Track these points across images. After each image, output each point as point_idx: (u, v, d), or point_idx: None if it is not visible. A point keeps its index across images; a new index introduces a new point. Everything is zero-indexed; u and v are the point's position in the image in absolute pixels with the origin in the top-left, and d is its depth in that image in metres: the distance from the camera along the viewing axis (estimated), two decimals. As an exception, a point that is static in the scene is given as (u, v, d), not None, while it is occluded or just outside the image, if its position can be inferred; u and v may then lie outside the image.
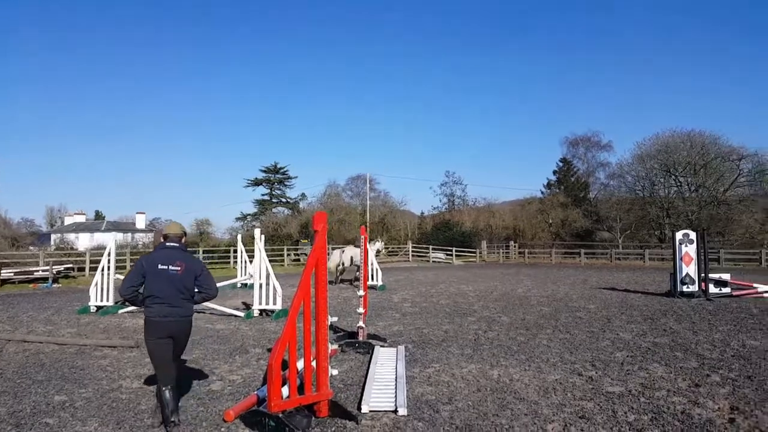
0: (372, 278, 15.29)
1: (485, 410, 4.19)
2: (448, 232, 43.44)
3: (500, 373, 5.40)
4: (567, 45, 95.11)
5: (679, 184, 42.33)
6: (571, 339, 7.25)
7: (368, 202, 47.18)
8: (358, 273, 17.90)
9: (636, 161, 44.37)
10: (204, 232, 48.48)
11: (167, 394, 3.83)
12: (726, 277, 12.38)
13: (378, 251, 19.58)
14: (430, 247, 38.79)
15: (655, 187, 43.22)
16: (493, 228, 45.77)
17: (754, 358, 5.86)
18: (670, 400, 4.35)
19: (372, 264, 15.41)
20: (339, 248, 18.80)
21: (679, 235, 12.47)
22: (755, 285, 12.43)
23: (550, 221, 45.68)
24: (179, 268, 3.91)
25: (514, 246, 40.33)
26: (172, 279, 3.88)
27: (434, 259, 37.26)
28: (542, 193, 50.46)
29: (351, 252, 18.11)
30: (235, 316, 9.82)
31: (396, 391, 4.57)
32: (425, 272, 24.33)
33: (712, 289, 11.86)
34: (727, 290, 11.96)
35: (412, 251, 38.92)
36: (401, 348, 6.55)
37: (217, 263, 29.45)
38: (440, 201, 54.04)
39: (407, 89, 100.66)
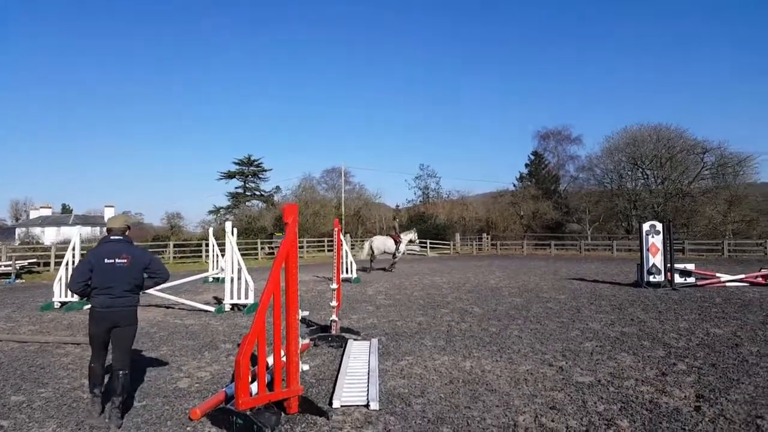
0: (347, 271, 15.22)
1: (457, 402, 4.18)
2: (422, 225, 43.59)
3: (472, 364, 5.42)
4: (539, 40, 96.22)
5: (645, 176, 43.52)
6: (542, 329, 7.34)
7: (343, 194, 46.93)
8: (395, 259, 19.14)
9: (605, 154, 45.48)
10: (175, 226, 47.39)
11: (117, 377, 3.96)
12: (690, 267, 12.74)
13: (411, 240, 20.22)
14: (372, 238, 38.77)
15: (623, 179, 44.35)
16: (466, 220, 46.19)
17: (718, 346, 6.02)
18: (639, 389, 4.43)
19: (347, 256, 15.32)
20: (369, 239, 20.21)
21: (646, 226, 12.75)
22: (718, 275, 12.83)
23: (522, 213, 46.36)
24: (125, 261, 4.01)
25: (487, 238, 40.78)
26: (118, 272, 3.98)
27: (409, 252, 37.33)
28: (514, 185, 51.21)
29: (379, 242, 19.14)
30: (206, 311, 9.62)
31: (368, 385, 4.53)
32: (399, 264, 24.34)
33: (678, 279, 12.19)
34: (691, 280, 12.31)
35: (387, 244, 38.84)
36: (374, 341, 6.52)
37: (188, 257, 28.85)
38: (415, 194, 54.36)
39: (381, 82, 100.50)
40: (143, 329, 7.91)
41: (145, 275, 4.18)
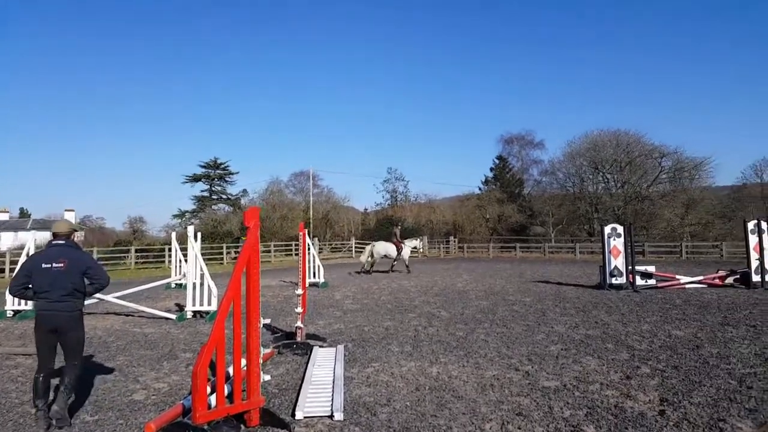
0: (314, 275, 15.02)
1: (423, 411, 4.10)
2: (390, 228, 43.64)
3: (439, 370, 5.36)
4: (503, 45, 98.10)
5: (606, 180, 44.86)
6: (508, 333, 7.36)
7: (311, 198, 46.59)
8: (395, 261, 19.92)
9: (567, 159, 46.73)
10: (138, 230, 46.04)
11: (67, 366, 4.08)
12: (651, 269, 13.07)
13: (415, 247, 20.97)
14: (373, 243, 38.80)
15: (585, 183, 45.65)
16: (434, 223, 46.50)
17: (680, 348, 6.14)
18: (604, 393, 4.45)
19: (314, 260, 15.13)
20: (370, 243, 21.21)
21: (607, 229, 13.03)
22: (678, 276, 13.21)
23: (488, 216, 47.00)
24: (62, 265, 4.02)
25: (454, 241, 41.16)
26: (55, 276, 4.00)
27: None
28: (480, 189, 51.92)
29: (381, 247, 19.90)
30: (167, 318, 9.29)
31: (333, 395, 4.40)
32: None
33: (639, 281, 12.49)
34: (652, 282, 12.63)
35: (356, 247, 38.78)
36: (340, 348, 6.39)
37: (151, 263, 28.03)
38: (383, 197, 54.34)
39: (348, 87, 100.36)
40: (100, 338, 7.58)
41: (86, 280, 4.17)
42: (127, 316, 9.77)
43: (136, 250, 28.76)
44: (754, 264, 12.31)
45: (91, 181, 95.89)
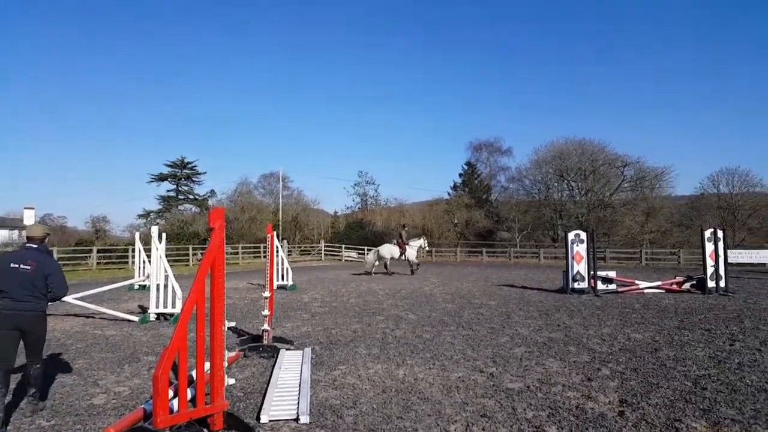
0: (282, 278, 14.87)
1: (389, 413, 4.12)
2: (360, 232, 43.69)
3: (405, 372, 5.39)
4: (474, 52, 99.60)
5: (570, 188, 46.13)
6: (474, 335, 7.46)
7: (281, 200, 46.11)
8: (410, 264, 20.46)
9: (533, 166, 47.90)
10: (100, 230, 44.50)
11: (30, 370, 4.30)
12: (612, 274, 13.47)
13: (421, 246, 21.36)
14: (343, 246, 38.73)
15: (550, 190, 46.84)
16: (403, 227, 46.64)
17: (639, 351, 6.34)
18: (566, 395, 4.55)
19: (283, 263, 14.99)
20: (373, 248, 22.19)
21: (571, 235, 13.37)
22: (637, 282, 13.64)
23: (456, 221, 47.53)
24: (29, 267, 4.20)
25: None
26: (21, 277, 4.16)
27: (347, 258, 37.22)
28: (449, 194, 52.52)
29: (386, 250, 20.62)
30: (129, 320, 9.04)
31: (299, 398, 4.37)
32: (337, 271, 24.19)
33: (600, 285, 12.85)
34: (613, 287, 13.01)
35: (325, 250, 38.59)
36: (307, 350, 6.35)
37: (114, 263, 27.21)
38: (353, 200, 54.23)
39: (320, 89, 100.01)
40: (58, 340, 7.32)
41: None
42: (87, 317, 9.47)
43: (99, 251, 27.92)
44: (710, 270, 12.83)
45: (53, 179, 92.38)
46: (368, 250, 21.81)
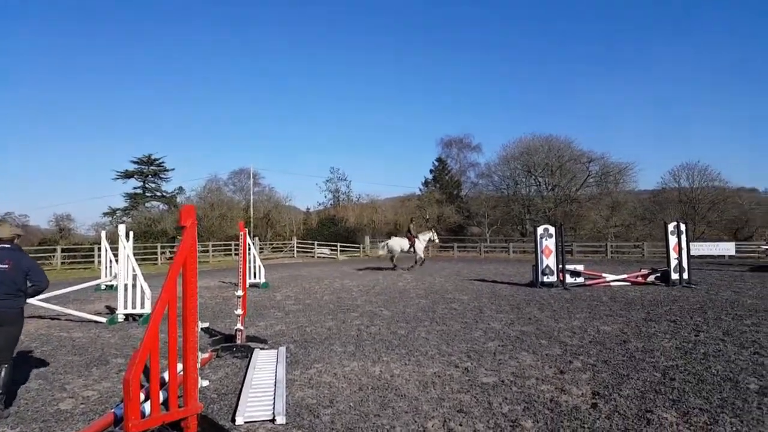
0: (254, 276, 14.68)
1: (367, 411, 4.11)
2: (333, 228, 43.53)
3: (382, 369, 5.39)
4: (445, 49, 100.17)
5: (538, 183, 47.08)
6: (448, 330, 7.52)
7: (252, 197, 45.51)
8: (416, 257, 20.66)
9: (501, 162, 48.79)
10: (65, 229, 43.06)
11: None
12: (580, 268, 13.77)
13: (430, 239, 21.36)
14: (316, 243, 38.51)
15: (518, 186, 47.75)
16: (376, 223, 46.77)
17: (608, 343, 6.50)
18: (540, 388, 4.63)
19: (255, 260, 14.78)
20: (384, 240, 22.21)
21: (540, 229, 13.59)
22: (604, 275, 13.98)
23: (428, 217, 47.87)
24: (7, 266, 4.36)
25: (396, 241, 41.46)
26: (1, 276, 4.32)
27: (319, 255, 37.03)
28: (420, 190, 52.86)
29: (394, 243, 20.85)
30: (96, 322, 8.77)
31: (275, 398, 4.32)
32: (310, 268, 24.05)
33: (569, 279, 13.11)
34: (581, 280, 13.30)
35: (297, 247, 38.27)
36: (282, 349, 6.28)
37: (79, 263, 26.39)
38: (326, 197, 53.92)
39: (290, 84, 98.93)
40: (23, 343, 7.03)
41: (28, 282, 4.53)
42: (52, 319, 9.15)
43: (63, 250, 27.09)
44: (674, 263, 13.26)
45: (13, 177, 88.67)
46: (380, 242, 22.51)
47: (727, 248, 27.40)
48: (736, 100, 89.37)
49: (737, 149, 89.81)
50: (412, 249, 20.80)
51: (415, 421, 3.85)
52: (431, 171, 53.19)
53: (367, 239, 41.29)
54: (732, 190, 43.25)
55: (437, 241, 22.89)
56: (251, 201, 44.92)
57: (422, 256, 21.12)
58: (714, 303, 9.88)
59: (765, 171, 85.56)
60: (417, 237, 21.02)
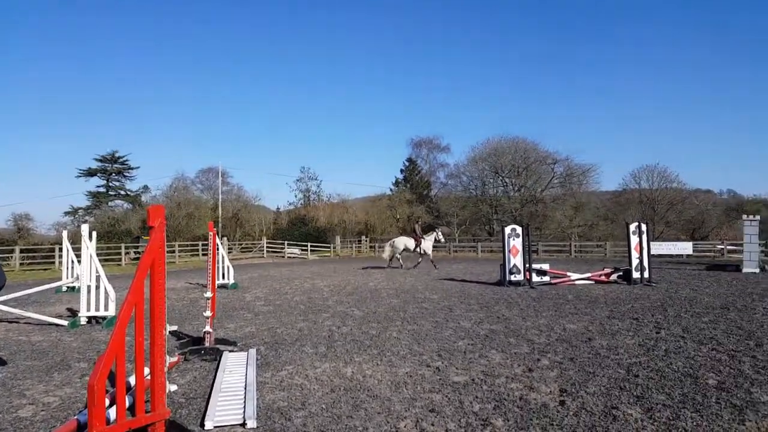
0: (223, 276, 14.44)
1: (339, 412, 4.11)
2: (303, 228, 43.23)
3: (354, 370, 5.39)
4: (416, 48, 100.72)
5: (505, 184, 48.06)
6: (419, 330, 7.57)
7: (220, 196, 44.74)
8: (420, 257, 21.39)
9: (470, 163, 49.62)
10: (23, 228, 41.34)
11: None
12: (546, 267, 14.08)
13: (437, 239, 21.80)
14: (286, 242, 38.16)
15: (486, 186, 48.67)
16: (346, 223, 46.69)
17: (574, 341, 6.65)
18: (509, 386, 4.70)
19: (223, 261, 14.54)
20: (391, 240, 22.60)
21: (507, 229, 13.83)
22: (569, 273, 14.34)
23: (398, 217, 48.11)
24: None
25: (366, 240, 41.59)
26: None
27: (289, 255, 36.71)
28: (391, 190, 53.10)
29: (400, 242, 21.26)
30: (57, 325, 8.46)
31: (245, 401, 4.26)
32: (280, 268, 23.81)
33: (535, 278, 13.39)
34: (546, 279, 13.61)
35: (267, 247, 37.83)
36: (252, 351, 6.20)
37: (39, 264, 25.42)
38: (296, 196, 53.58)
39: (259, 81, 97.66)
40: (-25, 350, 6.73)
41: None
42: (10, 323, 8.79)
43: (21, 250, 26.07)
44: (635, 262, 13.70)
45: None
46: (389, 241, 22.74)
47: (685, 248, 28.46)
48: (696, 105, 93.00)
49: (695, 152, 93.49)
50: (417, 249, 21.23)
51: (388, 422, 3.87)
52: (402, 171, 53.57)
53: (338, 239, 41.16)
54: (689, 192, 45.08)
55: (443, 240, 23.13)
56: (220, 200, 44.17)
57: (430, 255, 21.47)
58: (673, 301, 10.25)
59: (720, 173, 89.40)
60: (423, 237, 21.42)
